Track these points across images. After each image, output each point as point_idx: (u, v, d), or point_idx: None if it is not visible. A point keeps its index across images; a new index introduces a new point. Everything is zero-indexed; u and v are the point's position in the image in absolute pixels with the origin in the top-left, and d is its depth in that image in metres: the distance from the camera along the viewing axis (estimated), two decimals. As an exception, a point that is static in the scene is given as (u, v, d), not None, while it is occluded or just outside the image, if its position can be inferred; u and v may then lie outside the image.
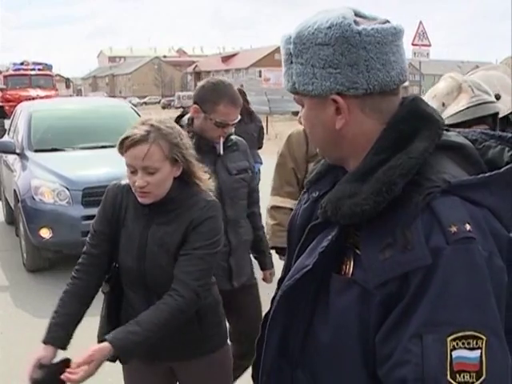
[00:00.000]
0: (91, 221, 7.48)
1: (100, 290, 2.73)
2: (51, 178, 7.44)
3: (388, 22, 1.41)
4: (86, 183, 7.31)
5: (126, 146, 2.43)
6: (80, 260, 2.71)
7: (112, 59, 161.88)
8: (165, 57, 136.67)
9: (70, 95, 30.96)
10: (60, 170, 7.60)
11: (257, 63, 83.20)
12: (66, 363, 2.42)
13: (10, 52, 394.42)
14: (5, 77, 25.77)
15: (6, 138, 9.93)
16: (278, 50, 78.20)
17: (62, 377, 2.32)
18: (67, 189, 7.27)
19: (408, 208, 1.29)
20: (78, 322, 2.67)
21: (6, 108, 22.86)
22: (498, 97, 3.35)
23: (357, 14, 1.40)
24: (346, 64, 1.35)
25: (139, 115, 9.76)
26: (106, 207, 2.70)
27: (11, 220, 9.62)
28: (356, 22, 1.36)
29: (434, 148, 1.36)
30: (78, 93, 79.25)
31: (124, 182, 2.67)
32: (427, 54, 20.03)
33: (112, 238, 2.65)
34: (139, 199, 2.52)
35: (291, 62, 1.43)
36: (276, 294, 1.65)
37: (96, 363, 2.32)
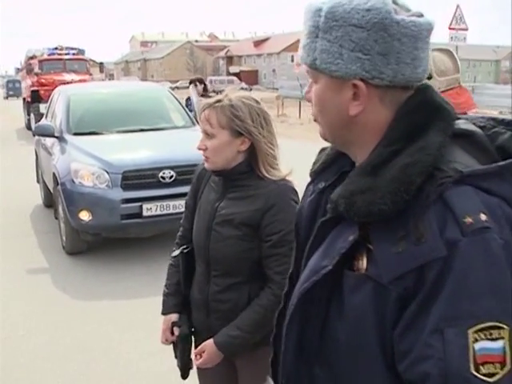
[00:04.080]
0: (130, 204, 7.62)
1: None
2: (90, 161, 7.46)
3: (422, 15, 1.35)
4: (125, 166, 7.31)
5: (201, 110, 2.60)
6: (178, 232, 2.93)
7: (144, 44, 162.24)
8: (196, 41, 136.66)
9: (103, 79, 31.05)
10: (99, 153, 7.62)
11: (289, 48, 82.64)
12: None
13: (41, 37, 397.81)
14: (40, 61, 25.78)
15: (44, 122, 9.97)
16: (310, 34, 77.93)
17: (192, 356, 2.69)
18: (106, 172, 7.27)
19: (420, 200, 1.26)
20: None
21: (41, 92, 23.00)
22: (429, 76, 3.60)
23: (393, 1, 1.33)
24: (378, 52, 1.30)
25: (176, 99, 9.77)
26: (193, 182, 2.84)
27: (49, 203, 9.70)
28: (395, 11, 1.30)
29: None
30: (111, 77, 79.56)
31: None
32: (464, 38, 19.75)
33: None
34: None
35: (316, 36, 1.36)
36: (288, 289, 1.65)
37: (207, 356, 2.58)
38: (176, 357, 2.81)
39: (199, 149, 2.59)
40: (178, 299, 2.80)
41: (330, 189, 1.51)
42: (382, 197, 1.28)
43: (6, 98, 62.36)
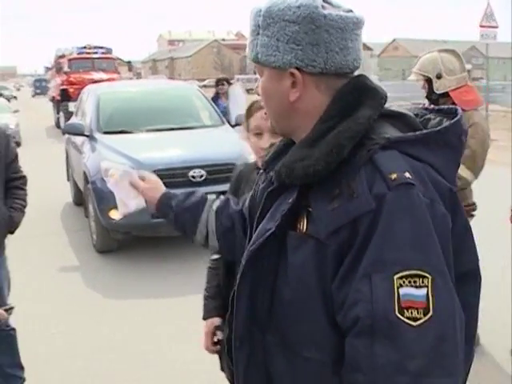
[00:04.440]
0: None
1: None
2: (121, 159, 7.44)
3: (351, 11, 1.52)
4: (155, 165, 7.24)
5: (254, 108, 2.53)
6: None
7: (171, 43, 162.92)
8: (223, 40, 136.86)
9: (131, 78, 31.22)
10: (129, 151, 7.61)
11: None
12: None
13: (69, 36, 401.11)
14: (69, 60, 25.94)
15: (74, 120, 10.01)
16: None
17: None
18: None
19: (352, 164, 1.41)
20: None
21: (70, 91, 23.19)
22: (439, 76, 4.32)
23: (325, 0, 1.50)
24: (308, 43, 1.47)
25: (206, 97, 9.76)
26: (232, 181, 2.85)
27: (79, 201, 9.74)
28: (323, 7, 1.47)
29: (377, 115, 1.48)
30: (138, 76, 79.94)
31: (251, 161, 2.80)
32: (494, 35, 19.52)
33: None
34: None
35: (258, 34, 1.54)
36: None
37: None
38: (222, 368, 2.72)
39: (263, 148, 2.47)
40: (218, 302, 2.74)
41: None
42: (317, 159, 1.44)
43: (34, 96, 64.02)
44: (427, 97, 4.52)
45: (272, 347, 1.57)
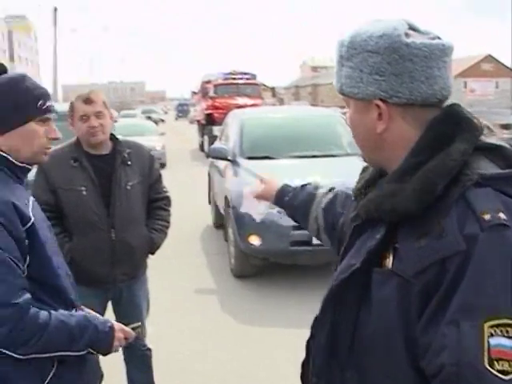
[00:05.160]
0: (301, 231, 7.47)
1: None
2: (263, 185, 7.44)
3: (439, 38, 1.46)
4: (298, 193, 7.20)
5: None
6: None
7: (314, 69, 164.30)
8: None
9: (274, 104, 31.61)
10: (272, 178, 7.54)
11: (462, 73, 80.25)
12: None
13: (215, 62, 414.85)
14: (215, 86, 26.64)
15: (218, 144, 10.15)
16: (484, 59, 74.88)
17: None
18: (279, 197, 7.18)
19: (444, 200, 1.35)
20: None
21: (216, 115, 23.73)
22: None
23: (411, 27, 1.46)
24: (392, 73, 1.42)
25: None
26: None
27: (220, 224, 9.84)
28: (407, 35, 1.43)
29: (472, 149, 1.40)
30: (281, 102, 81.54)
31: None
32: None
33: None
34: None
35: (342, 65, 1.52)
36: None
37: None
38: None
39: None
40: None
41: None
42: (408, 197, 1.38)
43: (176, 119, 70.67)
44: None
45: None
